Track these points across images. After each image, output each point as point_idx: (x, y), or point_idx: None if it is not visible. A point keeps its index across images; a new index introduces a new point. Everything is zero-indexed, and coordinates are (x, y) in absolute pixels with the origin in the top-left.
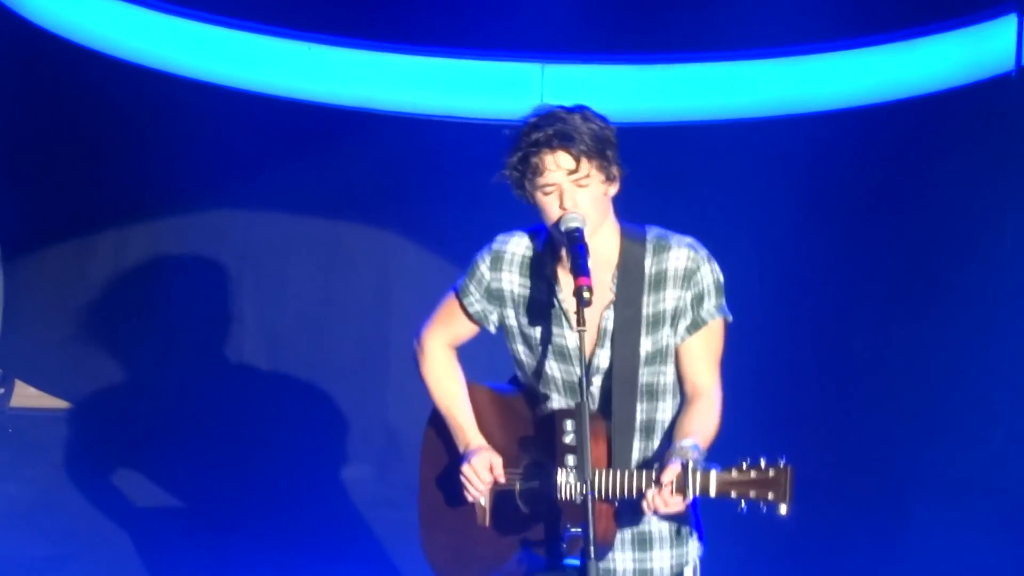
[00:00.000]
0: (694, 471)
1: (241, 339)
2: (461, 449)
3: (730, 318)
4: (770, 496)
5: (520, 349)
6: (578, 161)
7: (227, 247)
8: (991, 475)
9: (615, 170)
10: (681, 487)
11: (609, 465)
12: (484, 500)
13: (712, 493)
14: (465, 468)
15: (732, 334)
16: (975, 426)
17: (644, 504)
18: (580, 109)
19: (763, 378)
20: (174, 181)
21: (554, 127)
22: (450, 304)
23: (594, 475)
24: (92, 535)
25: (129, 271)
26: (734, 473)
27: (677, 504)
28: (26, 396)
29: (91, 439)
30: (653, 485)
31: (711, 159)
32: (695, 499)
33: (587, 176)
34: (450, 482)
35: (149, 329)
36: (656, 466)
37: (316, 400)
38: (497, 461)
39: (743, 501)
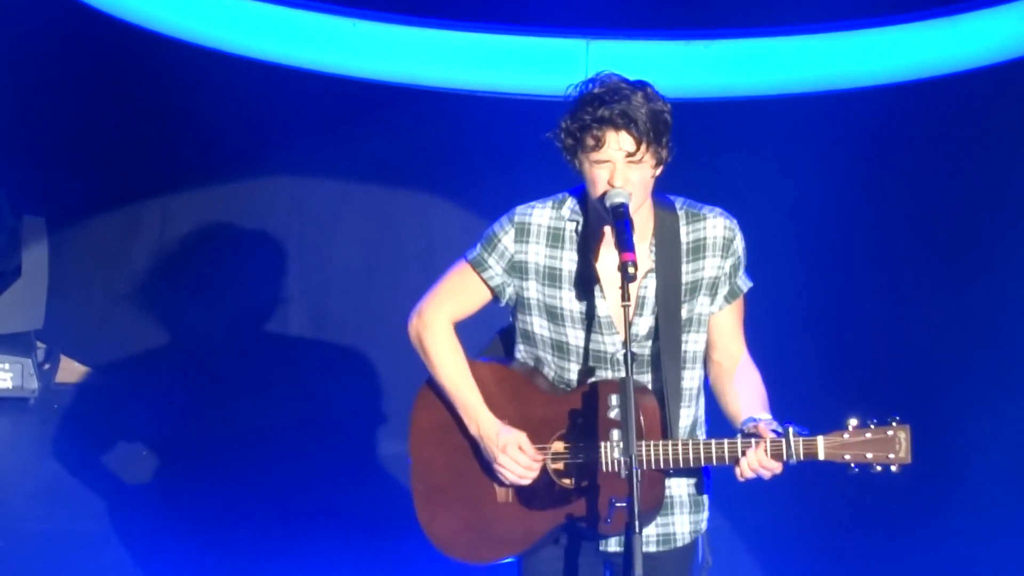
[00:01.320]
0: (795, 436)
1: (287, 313)
2: (473, 431)
3: (752, 285)
4: (890, 456)
5: (536, 321)
6: (639, 145)
7: (273, 221)
8: None
9: (665, 153)
10: (778, 453)
11: (663, 433)
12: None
13: (820, 457)
14: (502, 459)
15: (774, 306)
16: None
17: (737, 471)
18: (643, 86)
19: (805, 350)
20: (220, 157)
21: (620, 106)
22: (462, 276)
23: (656, 445)
24: (137, 510)
25: (174, 247)
26: (845, 436)
27: (775, 469)
28: (72, 371)
29: (136, 414)
30: (748, 452)
31: (753, 134)
32: (707, 468)
33: (641, 160)
34: (456, 461)
35: (194, 303)
36: (741, 435)
37: (361, 375)
38: (524, 441)
39: (854, 464)
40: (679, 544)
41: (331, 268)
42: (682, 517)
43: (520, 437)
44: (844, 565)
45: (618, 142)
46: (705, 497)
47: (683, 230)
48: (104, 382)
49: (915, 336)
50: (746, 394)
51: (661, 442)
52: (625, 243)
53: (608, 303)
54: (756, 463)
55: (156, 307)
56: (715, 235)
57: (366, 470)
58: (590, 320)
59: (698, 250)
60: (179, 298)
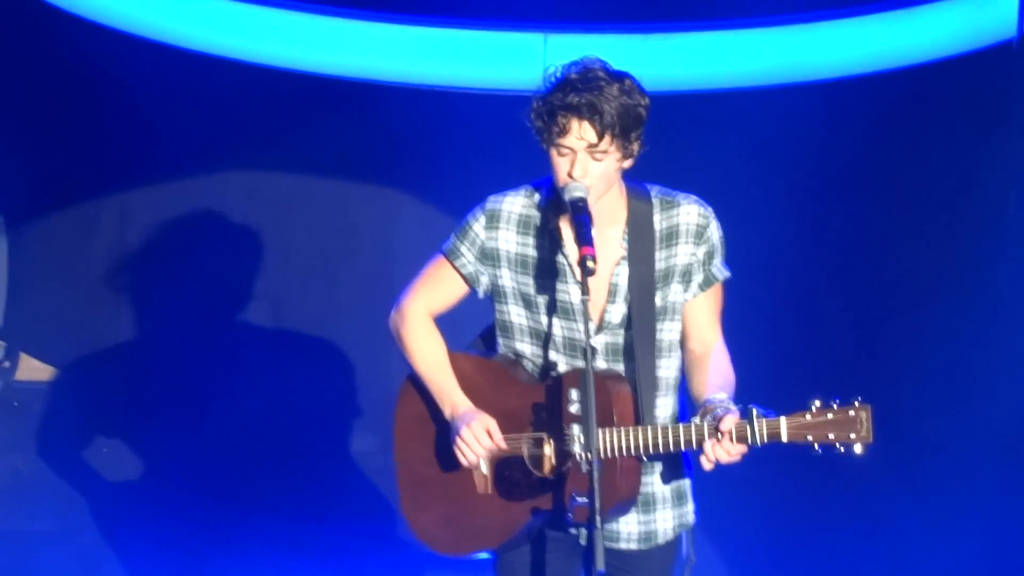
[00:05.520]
0: (758, 418)
1: (246, 311)
2: (448, 414)
3: (729, 275)
4: (852, 436)
5: (513, 310)
6: (601, 137)
7: (232, 219)
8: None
9: (635, 147)
10: (742, 436)
11: (637, 421)
12: (484, 467)
13: (784, 438)
14: (463, 432)
15: (747, 298)
16: (979, 389)
17: (702, 458)
18: (621, 78)
19: (764, 337)
20: (178, 154)
21: (590, 95)
22: (438, 268)
23: (626, 432)
24: (97, 508)
25: (133, 244)
26: (808, 416)
27: (740, 453)
28: (31, 369)
29: (96, 411)
30: (711, 436)
31: (713, 128)
32: (688, 460)
33: (605, 152)
34: (437, 453)
35: (154, 301)
36: (708, 418)
37: (321, 373)
38: (493, 425)
39: (817, 444)
40: (661, 541)
41: (291, 267)
42: (664, 513)
43: (489, 421)
44: (806, 556)
45: (580, 131)
46: (687, 486)
47: (656, 217)
48: (64, 380)
49: (890, 327)
50: (712, 379)
51: (631, 428)
52: (584, 237)
53: (579, 288)
54: (724, 448)
55: (116, 304)
56: (688, 222)
57: (331, 464)
58: (562, 307)
59: (671, 237)
60: (139, 296)
